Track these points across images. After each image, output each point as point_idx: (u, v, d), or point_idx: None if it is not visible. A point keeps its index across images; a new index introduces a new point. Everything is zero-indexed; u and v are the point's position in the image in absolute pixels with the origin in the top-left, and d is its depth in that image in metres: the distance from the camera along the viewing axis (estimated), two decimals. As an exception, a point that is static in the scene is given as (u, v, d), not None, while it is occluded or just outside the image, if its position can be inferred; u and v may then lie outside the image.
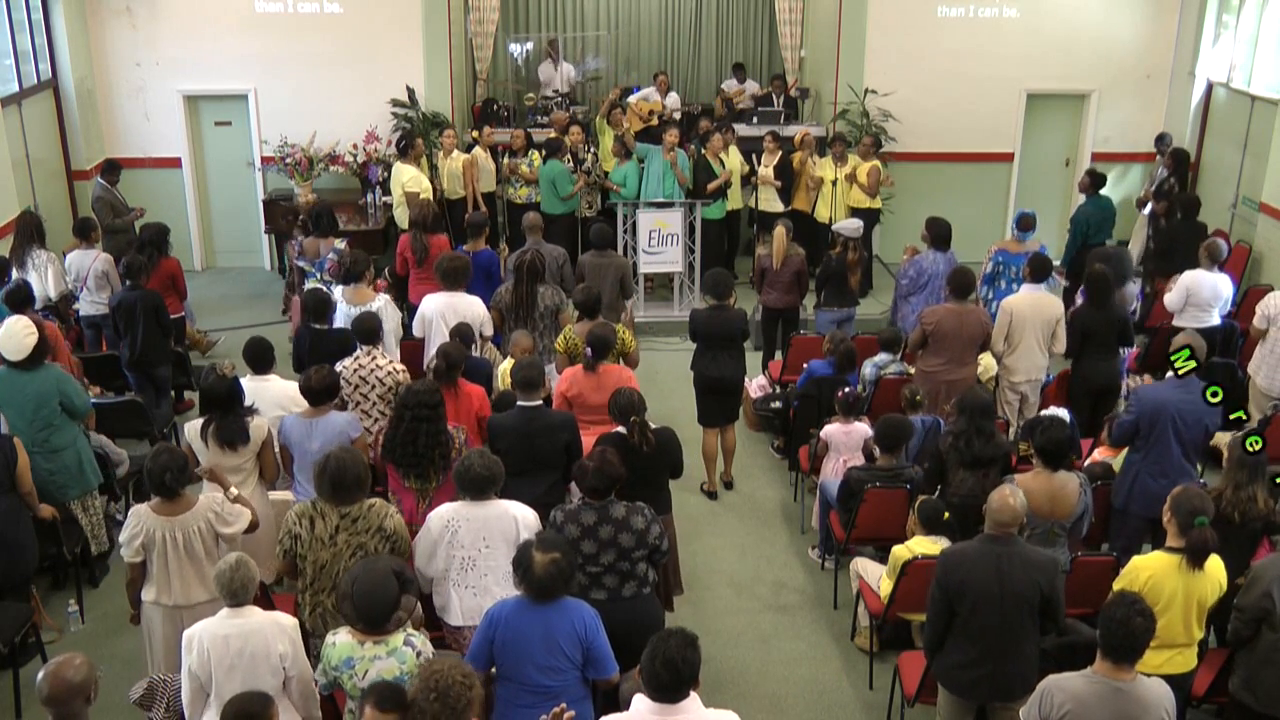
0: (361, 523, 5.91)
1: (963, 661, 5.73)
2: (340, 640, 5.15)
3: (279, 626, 5.31)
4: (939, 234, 10.42)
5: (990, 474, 7.27)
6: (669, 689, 4.42)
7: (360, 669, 5.05)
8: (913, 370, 9.33)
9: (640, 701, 4.50)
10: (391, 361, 8.03)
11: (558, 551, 5.16)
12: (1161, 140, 14.03)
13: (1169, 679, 5.78)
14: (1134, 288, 10.51)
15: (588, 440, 7.15)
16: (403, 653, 5.10)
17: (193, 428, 6.96)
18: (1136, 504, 7.44)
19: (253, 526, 6.29)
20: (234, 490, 6.41)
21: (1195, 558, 5.64)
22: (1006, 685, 5.72)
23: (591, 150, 13.68)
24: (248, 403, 7.12)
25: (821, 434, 8.45)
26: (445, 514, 6.01)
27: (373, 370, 7.85)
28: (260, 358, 7.65)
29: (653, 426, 6.97)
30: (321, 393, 7.06)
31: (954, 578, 5.62)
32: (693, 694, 4.47)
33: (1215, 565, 5.74)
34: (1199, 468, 7.84)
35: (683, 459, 7.23)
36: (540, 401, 7.12)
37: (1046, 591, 5.60)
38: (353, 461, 5.92)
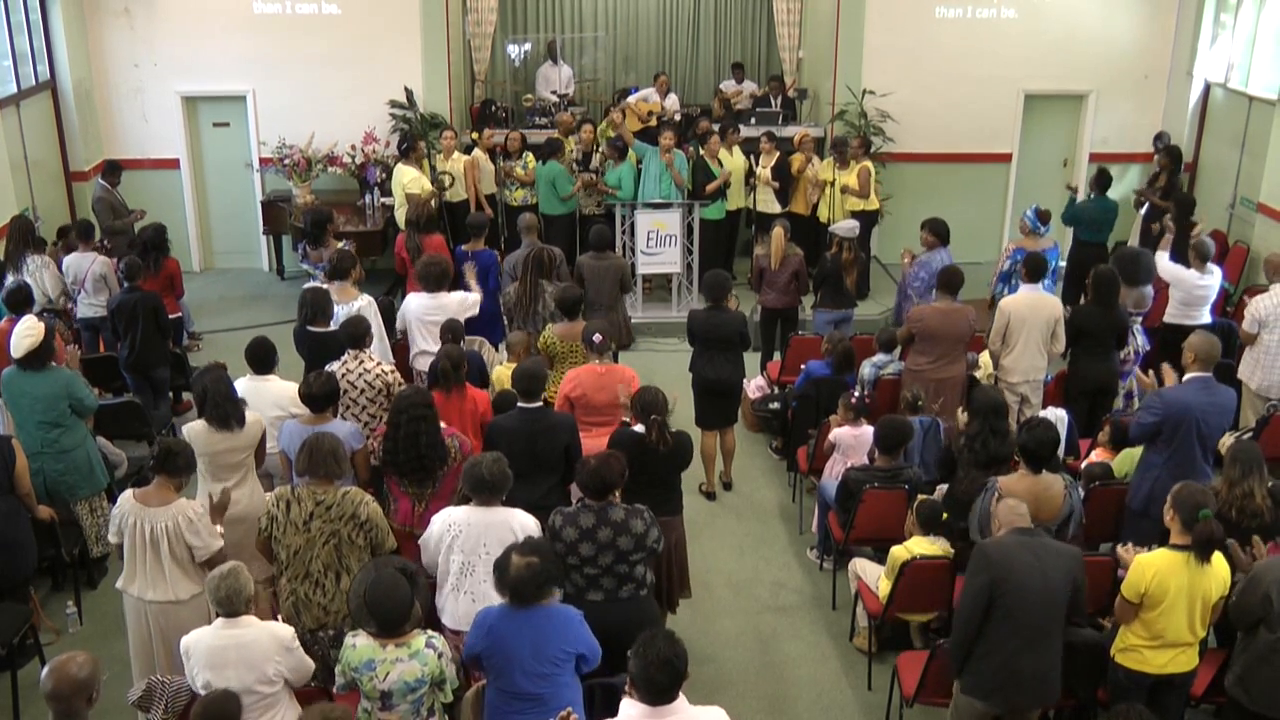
0: (336, 510, 5.96)
1: (997, 663, 5.62)
2: (361, 642, 5.18)
3: (275, 639, 5.33)
4: (943, 232, 10.44)
5: (1002, 472, 7.23)
6: (667, 689, 4.42)
7: (381, 671, 5.08)
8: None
9: (631, 707, 4.50)
10: (380, 364, 8.00)
11: (536, 556, 5.17)
12: (1159, 139, 14.05)
13: (1171, 678, 5.82)
14: (1150, 290, 10.52)
15: (590, 442, 7.13)
16: (425, 655, 5.14)
17: (191, 428, 6.93)
18: (1158, 506, 7.34)
19: (216, 560, 6.16)
20: (220, 531, 6.38)
21: (1203, 551, 5.63)
22: (1039, 686, 5.68)
23: (599, 149, 13.68)
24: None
25: (830, 437, 8.43)
26: (447, 517, 6.04)
27: (361, 374, 7.82)
28: (262, 359, 7.62)
29: (672, 429, 6.95)
30: (322, 399, 7.05)
31: (1000, 568, 5.52)
32: (680, 694, 4.47)
33: (1220, 562, 5.73)
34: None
35: (688, 462, 7.20)
36: (541, 403, 7.11)
37: (1078, 581, 5.60)
38: (330, 437, 6.05)
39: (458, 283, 9.52)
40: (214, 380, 6.93)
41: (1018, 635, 5.57)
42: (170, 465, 6.16)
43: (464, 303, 9.09)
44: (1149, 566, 5.66)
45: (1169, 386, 7.56)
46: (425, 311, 8.95)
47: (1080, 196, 12.63)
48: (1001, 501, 5.96)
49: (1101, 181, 12.36)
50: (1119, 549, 6.22)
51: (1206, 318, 10.08)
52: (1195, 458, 7.32)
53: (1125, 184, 14.85)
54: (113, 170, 12.45)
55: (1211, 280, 10.08)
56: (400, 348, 9.31)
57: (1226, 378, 9.58)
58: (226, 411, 6.84)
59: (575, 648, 5.22)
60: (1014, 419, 9.19)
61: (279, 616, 6.09)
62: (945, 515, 7.05)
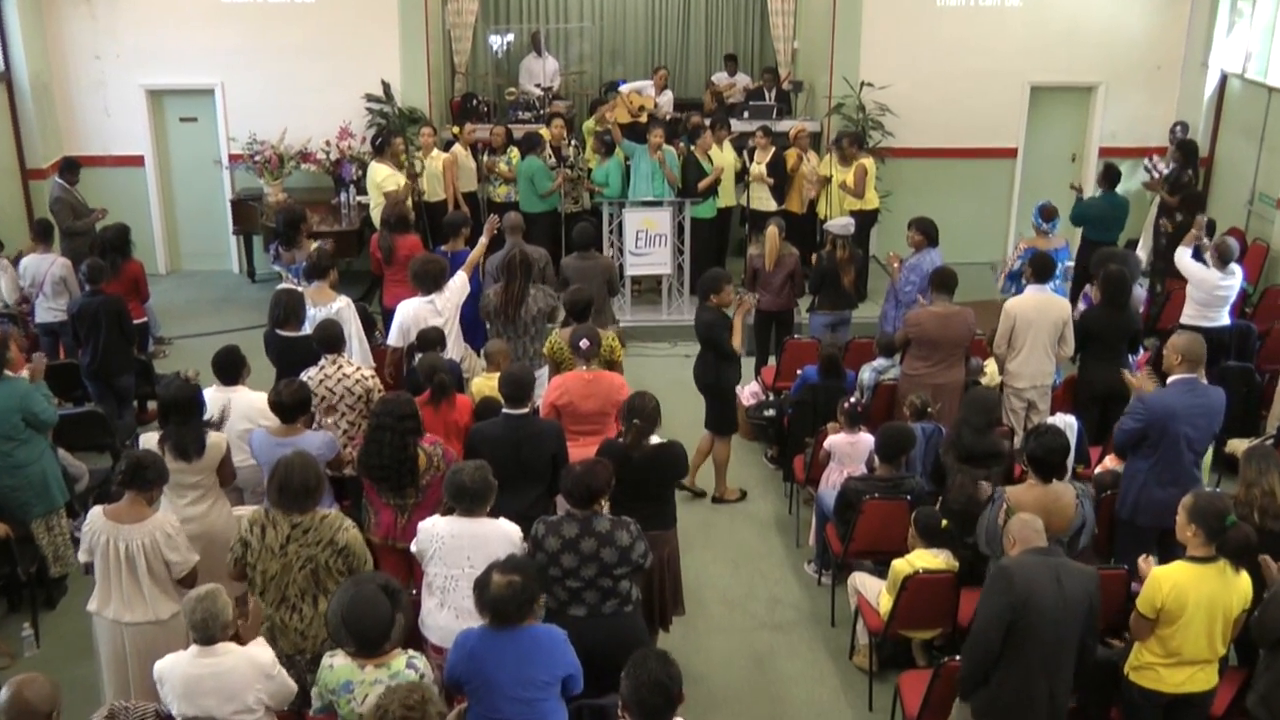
0: (313, 534, 5.89)
1: (1014, 686, 5.59)
2: (338, 663, 5.12)
3: (255, 665, 5.28)
4: (932, 232, 10.45)
5: (991, 477, 7.29)
6: (660, 712, 4.40)
7: (360, 693, 5.02)
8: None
9: None
10: (359, 369, 7.96)
11: (518, 574, 5.14)
12: (1176, 129, 14.03)
13: (1189, 698, 5.79)
14: (1141, 291, 10.53)
15: (577, 452, 7.09)
16: (405, 676, 5.07)
17: (149, 440, 6.88)
18: (1144, 515, 7.37)
19: (189, 579, 6.15)
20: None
21: (1239, 556, 5.63)
22: (1052, 710, 5.64)
23: (574, 144, 13.66)
24: (209, 415, 7.08)
25: (825, 445, 8.42)
26: (432, 527, 6.04)
27: (340, 380, 7.78)
28: (229, 368, 7.56)
29: (655, 440, 6.89)
30: (294, 408, 7.00)
31: (1022, 590, 5.48)
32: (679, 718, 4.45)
33: (1241, 575, 5.71)
34: (1216, 477, 7.84)
35: (680, 474, 7.17)
36: (527, 410, 7.08)
37: (1095, 603, 5.58)
38: (302, 467, 5.92)
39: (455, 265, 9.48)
40: (179, 406, 6.86)
41: (1035, 658, 5.55)
42: (140, 479, 6.09)
43: (462, 293, 9.07)
44: (1165, 580, 5.63)
45: (1153, 391, 7.59)
46: (429, 315, 8.83)
47: (1087, 194, 12.64)
48: (1014, 517, 5.93)
49: (1109, 177, 12.35)
50: (1140, 561, 6.18)
51: (1225, 319, 10.10)
52: (1182, 463, 7.31)
53: (1137, 180, 14.87)
54: (70, 168, 12.38)
55: (1233, 281, 10.09)
56: (380, 353, 9.25)
57: (1245, 381, 9.61)
58: (185, 444, 6.77)
59: (561, 670, 5.19)
60: (1021, 426, 9.20)
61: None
62: (944, 524, 7.02)
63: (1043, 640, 5.51)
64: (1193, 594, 5.60)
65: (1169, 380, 7.46)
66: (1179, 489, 7.10)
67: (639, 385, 7.79)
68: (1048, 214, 10.84)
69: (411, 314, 8.87)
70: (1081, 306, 10.29)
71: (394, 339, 8.98)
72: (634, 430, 6.77)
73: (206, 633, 5.20)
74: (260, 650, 5.40)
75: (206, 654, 5.21)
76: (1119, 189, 12.44)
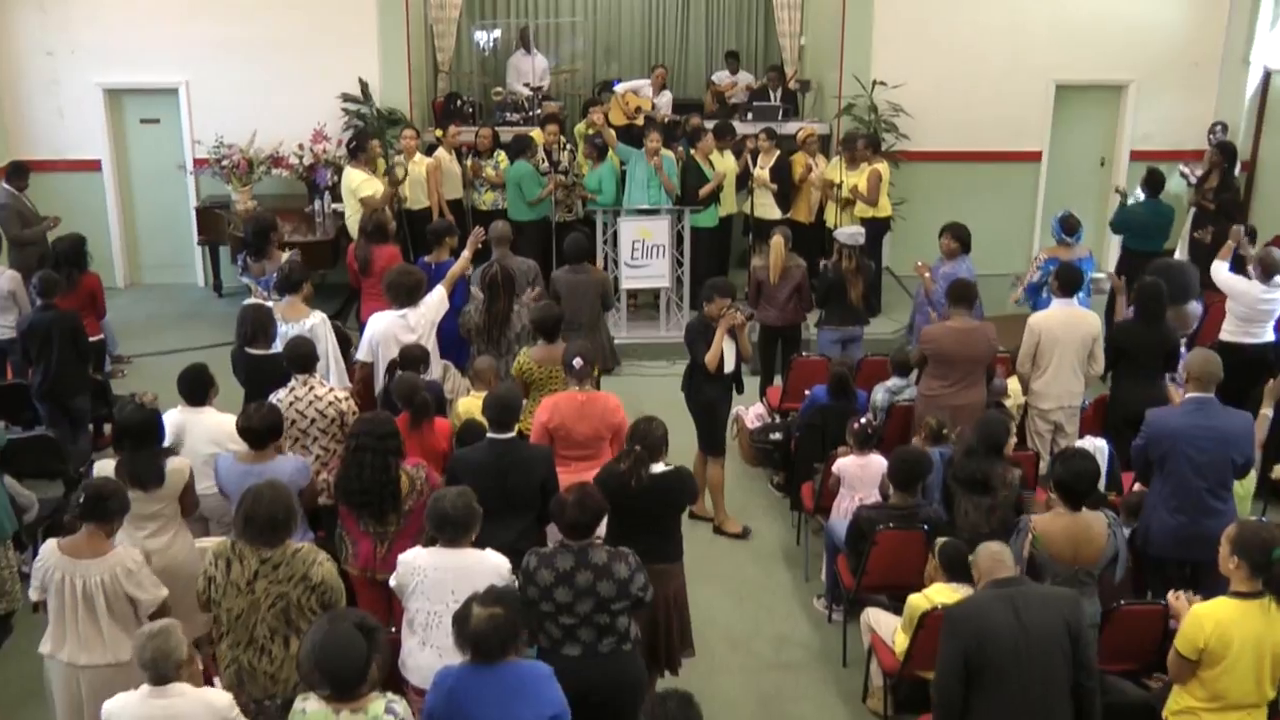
0: (284, 570, 5.86)
1: None
2: (311, 707, 5.07)
3: (210, 709, 5.23)
4: (967, 239, 10.44)
5: (996, 507, 7.32)
6: None
7: None
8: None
9: None
10: (332, 390, 7.93)
11: (500, 606, 5.12)
12: (1215, 130, 14.00)
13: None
14: (1197, 307, 10.49)
15: (569, 479, 7.06)
16: None
17: (105, 467, 6.83)
18: (1153, 544, 7.37)
19: (161, 611, 6.10)
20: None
21: None
22: None
23: (568, 147, 13.66)
24: (169, 441, 7.06)
25: (834, 468, 8.40)
26: (413, 561, 6.01)
27: (311, 402, 7.75)
28: (197, 388, 7.53)
29: (661, 468, 6.85)
30: (263, 433, 6.97)
31: (971, 630, 5.46)
32: None
33: None
34: (1262, 505, 7.78)
35: (686, 503, 7.15)
36: (514, 434, 7.06)
37: (1074, 628, 5.50)
38: (271, 498, 5.88)
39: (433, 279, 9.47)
40: (132, 432, 6.82)
41: (1010, 704, 5.47)
42: (101, 510, 6.04)
43: (439, 309, 9.04)
44: (1207, 618, 5.60)
45: (1157, 410, 7.62)
46: (399, 331, 8.79)
47: (1130, 199, 12.60)
48: (980, 549, 5.92)
49: (1153, 182, 12.33)
50: (1169, 596, 6.16)
51: (1270, 335, 10.07)
52: (1189, 489, 7.25)
53: (1172, 185, 14.85)
54: (18, 173, 12.35)
55: (1278, 294, 10.06)
56: (369, 374, 9.23)
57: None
58: (143, 474, 6.73)
59: (548, 709, 5.15)
60: (1046, 450, 9.18)
61: (216, 682, 6.00)
62: (971, 558, 6.98)
63: (1014, 683, 5.44)
64: (1238, 632, 5.56)
65: (1182, 399, 7.48)
66: (1187, 517, 7.15)
67: (635, 405, 7.80)
68: (1070, 226, 10.75)
69: (382, 328, 8.83)
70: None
71: (362, 353, 8.97)
72: (635, 457, 6.74)
73: (158, 671, 5.16)
74: (216, 692, 5.37)
75: (158, 695, 5.17)
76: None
